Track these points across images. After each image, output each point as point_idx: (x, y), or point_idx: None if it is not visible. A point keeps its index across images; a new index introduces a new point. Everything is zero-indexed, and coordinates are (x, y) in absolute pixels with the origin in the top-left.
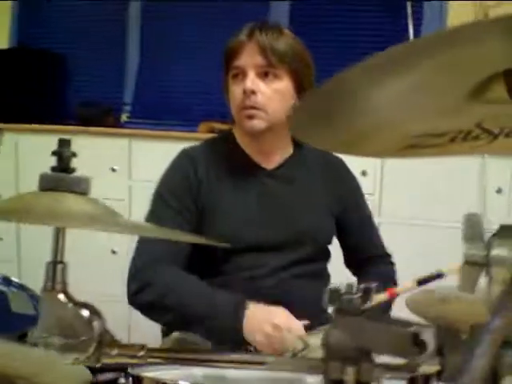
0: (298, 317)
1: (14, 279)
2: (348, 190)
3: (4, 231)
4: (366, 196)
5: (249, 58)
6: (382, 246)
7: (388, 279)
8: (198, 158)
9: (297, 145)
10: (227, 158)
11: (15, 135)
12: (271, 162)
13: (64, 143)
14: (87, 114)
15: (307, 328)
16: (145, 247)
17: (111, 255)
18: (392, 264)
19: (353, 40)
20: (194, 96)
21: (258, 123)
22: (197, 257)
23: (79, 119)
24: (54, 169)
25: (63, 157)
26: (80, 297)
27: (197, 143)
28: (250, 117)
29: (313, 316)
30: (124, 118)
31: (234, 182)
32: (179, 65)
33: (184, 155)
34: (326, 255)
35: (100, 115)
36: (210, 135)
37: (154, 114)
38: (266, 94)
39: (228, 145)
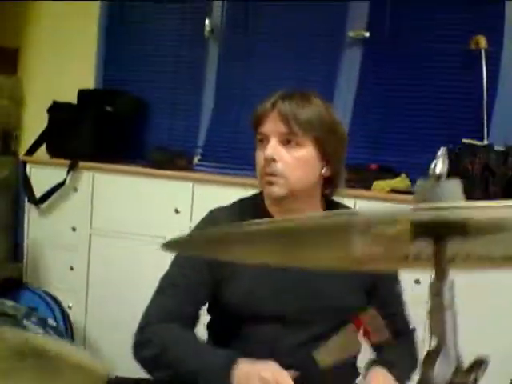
0: None
1: (51, 321)
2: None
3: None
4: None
5: (271, 126)
6: (408, 323)
7: (409, 356)
8: (221, 220)
9: (327, 208)
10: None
11: (92, 173)
12: None
13: None
14: (161, 157)
15: (296, 379)
16: (153, 305)
17: None
18: (414, 341)
19: (422, 89)
20: None
21: (278, 190)
22: (219, 322)
23: (152, 162)
24: None
25: None
26: None
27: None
28: (270, 183)
29: None
30: (196, 160)
31: None
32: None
33: (209, 216)
34: None
35: (173, 158)
36: None
37: (224, 157)
38: (287, 161)
39: (255, 206)
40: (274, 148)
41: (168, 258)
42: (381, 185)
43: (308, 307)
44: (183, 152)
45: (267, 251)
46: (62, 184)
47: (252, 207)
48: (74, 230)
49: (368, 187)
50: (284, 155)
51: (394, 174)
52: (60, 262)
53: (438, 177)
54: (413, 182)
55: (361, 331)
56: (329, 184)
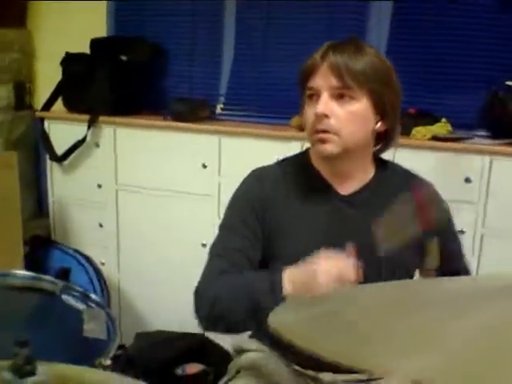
0: None
1: (94, 296)
2: (436, 217)
3: (104, 218)
4: (468, 205)
5: (322, 80)
6: (467, 270)
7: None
8: (266, 180)
9: (378, 168)
10: (300, 180)
11: (112, 127)
12: (348, 187)
13: (21, 344)
14: (182, 108)
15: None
16: (211, 264)
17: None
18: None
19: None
20: (287, 88)
21: (331, 147)
22: None
23: (174, 114)
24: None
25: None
26: None
27: (284, 143)
28: (322, 141)
29: None
30: (218, 109)
31: (304, 205)
32: (273, 56)
33: (252, 177)
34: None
35: (194, 109)
36: (298, 134)
37: (248, 104)
38: (340, 117)
39: (302, 166)
40: (325, 103)
41: (196, 211)
42: (421, 131)
43: (363, 261)
44: (205, 101)
45: None
46: (83, 140)
47: (300, 167)
48: (99, 186)
49: (407, 134)
50: (337, 110)
51: (434, 119)
52: (88, 220)
53: None
54: (454, 126)
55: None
56: (381, 140)
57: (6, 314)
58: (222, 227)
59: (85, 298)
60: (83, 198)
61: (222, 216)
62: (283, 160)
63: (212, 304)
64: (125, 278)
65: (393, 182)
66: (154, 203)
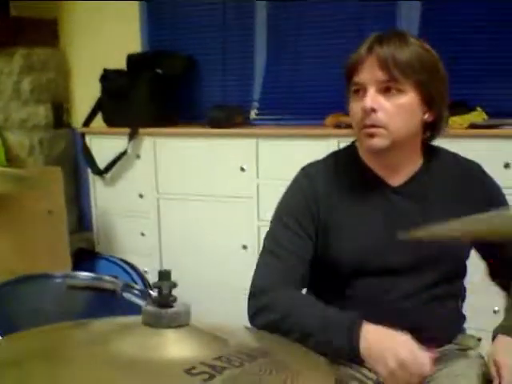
0: (428, 342)
1: (153, 293)
2: (488, 198)
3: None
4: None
5: (368, 74)
6: None
7: None
8: (317, 177)
9: (426, 156)
10: (350, 175)
11: (152, 138)
12: (397, 178)
13: (164, 275)
14: (217, 116)
15: (435, 361)
16: (264, 269)
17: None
18: None
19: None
20: (319, 89)
21: (379, 142)
22: (321, 280)
23: (210, 121)
24: (154, 301)
25: (163, 291)
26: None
27: (321, 141)
28: (371, 135)
29: (443, 338)
30: (253, 115)
31: (357, 199)
32: (304, 60)
33: (303, 174)
34: (463, 272)
35: (229, 116)
36: (335, 131)
37: (282, 108)
38: (387, 110)
39: (350, 160)
40: (373, 97)
41: (235, 214)
42: (458, 121)
43: (412, 257)
44: (239, 108)
45: None
46: (124, 153)
47: (348, 161)
48: (141, 196)
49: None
50: (384, 104)
51: (469, 109)
52: (130, 230)
53: None
54: (489, 115)
55: None
56: (430, 130)
57: (72, 309)
58: (275, 223)
59: (145, 294)
60: (125, 209)
61: (262, 217)
62: (331, 155)
63: (280, 317)
64: None
65: (441, 170)
66: (195, 209)
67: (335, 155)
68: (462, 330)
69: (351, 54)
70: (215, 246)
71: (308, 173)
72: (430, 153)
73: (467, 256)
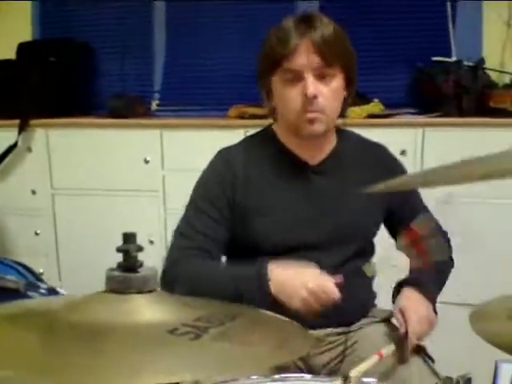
0: (346, 316)
1: (61, 290)
2: (394, 175)
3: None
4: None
5: (304, 59)
6: (436, 224)
7: (443, 255)
8: (235, 159)
9: (337, 135)
10: (268, 156)
11: (45, 130)
12: (316, 157)
13: (129, 238)
14: (117, 105)
15: (340, 286)
16: (177, 242)
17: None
18: (448, 240)
19: (387, 17)
20: (223, 80)
21: (320, 126)
22: (243, 259)
23: (110, 111)
24: (120, 266)
25: (130, 255)
26: None
27: (227, 132)
28: (312, 121)
29: (360, 311)
30: (154, 105)
31: (276, 179)
32: (207, 49)
33: (220, 157)
34: (373, 248)
35: (130, 105)
36: (240, 121)
37: (184, 99)
38: (326, 96)
39: (268, 142)
40: (314, 84)
41: (141, 208)
42: (357, 111)
43: (332, 232)
44: (140, 98)
45: None
46: (14, 146)
47: (265, 143)
48: (33, 193)
49: (342, 116)
50: (323, 90)
51: (367, 100)
52: (23, 229)
53: None
54: (386, 106)
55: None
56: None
57: None
58: (189, 206)
59: (52, 292)
60: (17, 206)
61: (168, 210)
62: (246, 139)
63: (191, 287)
64: (67, 287)
65: (351, 148)
66: (95, 205)
67: (251, 138)
68: (374, 305)
69: (274, 40)
70: (119, 243)
71: (224, 155)
72: (339, 132)
73: (375, 233)
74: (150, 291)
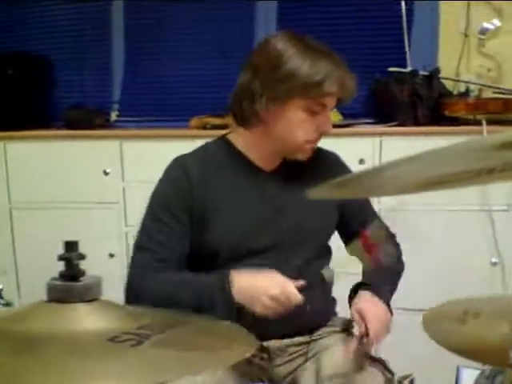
0: (305, 325)
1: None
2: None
3: None
4: None
5: (332, 102)
6: (386, 229)
7: (394, 258)
8: (190, 166)
9: None
10: (224, 163)
11: (3, 143)
12: (271, 164)
13: (71, 247)
14: (76, 117)
15: (302, 288)
16: (137, 256)
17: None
18: (397, 244)
19: (343, 28)
20: (184, 91)
21: (310, 153)
22: (202, 264)
23: (68, 123)
24: (62, 275)
25: (72, 263)
26: None
27: (188, 142)
28: (310, 150)
29: (321, 318)
30: (113, 116)
31: (233, 185)
32: (167, 58)
33: (175, 164)
34: (329, 252)
35: (89, 117)
36: (202, 132)
37: (144, 110)
38: None
39: (224, 149)
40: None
41: (100, 221)
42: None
43: (286, 236)
44: (99, 109)
45: None
46: None
47: (221, 151)
48: None
49: None
50: None
51: None
52: None
53: None
54: (345, 116)
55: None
56: None
57: None
58: (147, 217)
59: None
60: None
61: (129, 222)
62: (202, 147)
63: (154, 302)
64: (26, 303)
65: None
66: (54, 218)
67: (206, 146)
68: (335, 313)
69: (320, 73)
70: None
71: (181, 162)
72: None
73: (329, 236)
74: (92, 300)
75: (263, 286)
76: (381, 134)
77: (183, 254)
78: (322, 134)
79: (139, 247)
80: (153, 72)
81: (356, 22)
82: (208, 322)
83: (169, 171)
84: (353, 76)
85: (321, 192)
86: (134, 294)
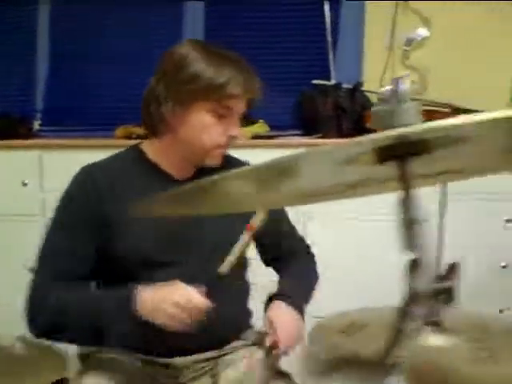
0: (215, 339)
1: None
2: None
3: None
4: None
5: (241, 107)
6: (300, 239)
7: (309, 270)
8: (98, 174)
9: None
10: (135, 171)
11: None
12: (184, 173)
13: None
14: None
15: (207, 295)
16: (40, 268)
17: None
18: (312, 255)
19: (270, 40)
20: (109, 100)
21: (220, 160)
22: (110, 273)
23: None
24: None
25: None
26: None
27: (112, 152)
28: (219, 156)
29: (232, 331)
30: (36, 125)
31: (143, 194)
32: (92, 67)
33: (82, 173)
34: (246, 264)
35: (11, 126)
36: (127, 142)
37: (69, 119)
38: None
39: (135, 159)
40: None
41: (19, 234)
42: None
43: (193, 248)
44: (22, 118)
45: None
46: None
47: (132, 160)
48: None
49: None
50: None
51: (252, 121)
52: None
53: (399, 99)
54: (271, 127)
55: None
56: None
57: None
58: (52, 227)
59: None
60: None
61: None
62: (112, 156)
63: (54, 315)
64: None
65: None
66: None
67: (116, 156)
68: (249, 326)
69: (224, 76)
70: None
71: (87, 171)
72: None
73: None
74: None
75: (165, 295)
76: (305, 146)
77: (87, 267)
78: (231, 138)
79: (43, 258)
80: (77, 79)
81: (282, 35)
82: (18, 349)
83: (76, 180)
84: (258, 79)
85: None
86: (34, 309)
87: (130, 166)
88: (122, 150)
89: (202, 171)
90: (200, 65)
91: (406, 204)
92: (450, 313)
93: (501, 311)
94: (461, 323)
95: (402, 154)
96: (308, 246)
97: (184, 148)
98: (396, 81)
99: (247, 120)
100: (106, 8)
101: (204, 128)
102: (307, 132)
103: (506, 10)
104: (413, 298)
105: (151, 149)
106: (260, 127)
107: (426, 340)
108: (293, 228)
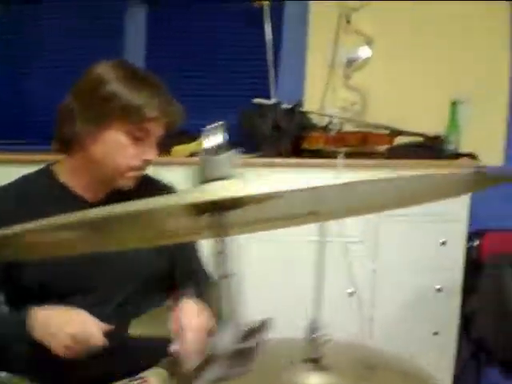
0: (130, 367)
1: None
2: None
3: None
4: None
5: (159, 131)
6: (203, 272)
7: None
8: (4, 197)
9: None
10: (44, 194)
11: None
12: (96, 194)
13: None
14: None
15: (109, 333)
16: None
17: None
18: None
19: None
20: (47, 112)
21: (134, 182)
22: (21, 300)
23: None
24: None
25: None
26: None
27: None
28: (133, 178)
29: (151, 357)
30: None
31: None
32: (30, 77)
33: None
34: (162, 293)
35: None
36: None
37: (7, 133)
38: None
39: (45, 180)
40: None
41: None
42: (179, 150)
43: (105, 274)
44: None
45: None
46: None
47: (42, 182)
48: None
49: (168, 152)
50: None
51: (192, 138)
52: None
53: (213, 151)
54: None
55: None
56: None
57: None
58: None
59: None
60: None
61: None
62: (20, 178)
63: None
64: None
65: (138, 187)
66: None
67: (25, 178)
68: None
69: (141, 99)
70: None
71: None
72: None
73: (159, 276)
74: None
75: (62, 322)
76: (244, 165)
77: None
78: (146, 162)
79: None
80: (14, 90)
81: (221, 52)
82: None
83: None
84: (177, 104)
85: None
86: None
87: (39, 188)
88: (32, 171)
89: (115, 193)
90: (117, 85)
91: (221, 255)
92: (333, 349)
93: (435, 334)
94: (343, 360)
95: (216, 209)
96: (209, 276)
97: (96, 168)
98: (209, 131)
99: (188, 137)
100: (45, 17)
101: (119, 149)
102: (249, 151)
103: (448, 31)
104: (210, 358)
105: (62, 169)
106: (198, 145)
107: (305, 379)
108: (201, 263)
